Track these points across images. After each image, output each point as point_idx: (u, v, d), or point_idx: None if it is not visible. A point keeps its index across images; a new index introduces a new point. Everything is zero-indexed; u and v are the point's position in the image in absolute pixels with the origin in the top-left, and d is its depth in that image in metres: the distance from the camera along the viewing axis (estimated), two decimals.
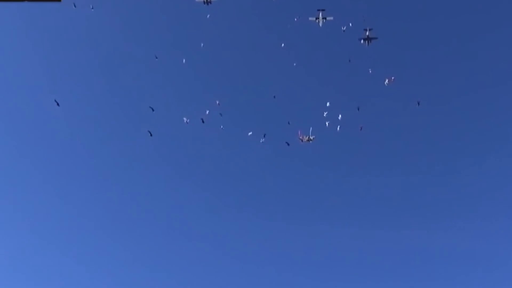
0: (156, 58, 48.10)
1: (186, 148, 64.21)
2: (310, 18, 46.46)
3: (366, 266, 61.62)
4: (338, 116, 45.12)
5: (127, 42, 58.66)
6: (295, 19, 47.11)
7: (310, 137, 47.23)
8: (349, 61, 48.16)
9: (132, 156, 62.85)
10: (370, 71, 46.72)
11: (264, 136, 47.60)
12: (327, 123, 45.41)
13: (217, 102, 46.79)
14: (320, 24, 46.50)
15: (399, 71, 57.59)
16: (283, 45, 48.36)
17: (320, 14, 46.22)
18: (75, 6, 46.51)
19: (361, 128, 46.09)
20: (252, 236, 63.34)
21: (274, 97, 49.95)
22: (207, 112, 46.37)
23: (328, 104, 45.26)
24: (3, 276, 61.17)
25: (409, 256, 61.77)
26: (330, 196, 64.28)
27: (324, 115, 45.46)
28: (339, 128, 45.30)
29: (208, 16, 46.86)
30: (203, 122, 46.29)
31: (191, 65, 54.11)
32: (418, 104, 47.07)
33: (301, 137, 47.47)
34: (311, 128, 47.03)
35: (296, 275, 60.84)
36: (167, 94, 59.40)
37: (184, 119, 46.98)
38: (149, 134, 46.19)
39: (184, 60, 48.25)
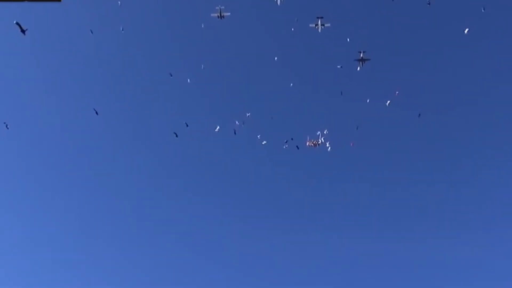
0: (171, 76, 49.66)
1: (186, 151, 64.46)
2: (310, 25, 48.01)
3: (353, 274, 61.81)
4: (328, 146, 48.09)
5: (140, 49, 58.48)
6: (292, 29, 49.02)
7: (318, 141, 48.57)
8: (341, 93, 50.19)
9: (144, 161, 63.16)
10: (368, 101, 48.78)
11: (286, 142, 49.28)
12: (321, 139, 47.65)
13: (247, 115, 48.71)
14: (319, 30, 47.86)
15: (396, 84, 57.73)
16: (276, 58, 50.51)
17: (319, 21, 47.63)
18: (92, 32, 47.19)
19: (352, 144, 48.51)
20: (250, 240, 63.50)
21: (272, 118, 51.86)
22: (237, 122, 48.40)
23: (318, 133, 47.82)
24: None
25: (399, 266, 62.04)
26: (319, 204, 64.49)
27: (323, 132, 47.92)
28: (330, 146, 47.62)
29: (202, 26, 48.12)
30: (235, 133, 48.36)
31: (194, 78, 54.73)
32: (419, 115, 48.59)
33: (309, 143, 48.64)
34: (319, 132, 48.95)
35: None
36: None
37: (217, 127, 48.64)
38: (175, 135, 48.00)
39: (188, 80, 50.44)
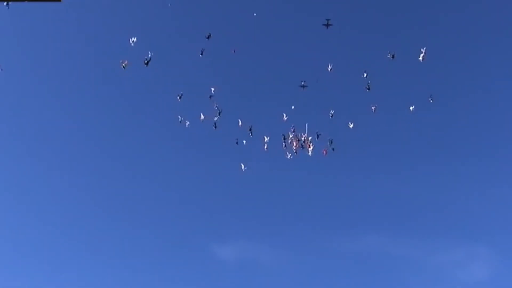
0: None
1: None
2: None
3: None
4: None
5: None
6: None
7: (309, 142, 38.45)
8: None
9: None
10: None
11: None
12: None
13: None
14: None
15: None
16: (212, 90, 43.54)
17: None
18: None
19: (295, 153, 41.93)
20: None
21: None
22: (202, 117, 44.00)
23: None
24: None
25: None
26: None
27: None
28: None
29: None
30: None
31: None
32: (333, 150, 44.31)
33: (293, 143, 38.92)
34: (306, 124, 39.40)
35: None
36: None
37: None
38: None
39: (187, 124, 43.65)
